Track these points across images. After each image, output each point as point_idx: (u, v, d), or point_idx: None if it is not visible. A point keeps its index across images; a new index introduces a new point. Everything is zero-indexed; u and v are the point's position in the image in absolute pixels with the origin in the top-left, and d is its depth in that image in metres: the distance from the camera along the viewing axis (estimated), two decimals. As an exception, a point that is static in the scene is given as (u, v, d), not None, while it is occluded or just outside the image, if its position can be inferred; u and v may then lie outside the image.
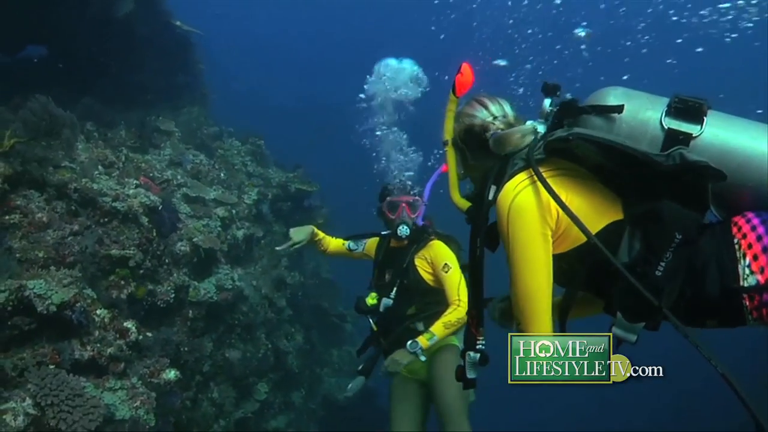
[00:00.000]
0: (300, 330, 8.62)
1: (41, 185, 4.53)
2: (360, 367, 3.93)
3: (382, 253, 3.98)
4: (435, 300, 3.77)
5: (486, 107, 1.92)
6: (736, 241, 1.53)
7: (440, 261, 3.73)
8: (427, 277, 3.80)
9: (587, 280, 1.71)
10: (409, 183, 3.94)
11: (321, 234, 4.08)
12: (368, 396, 9.06)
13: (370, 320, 3.90)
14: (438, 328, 3.53)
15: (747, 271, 1.49)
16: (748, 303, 1.49)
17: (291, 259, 8.49)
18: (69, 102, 5.90)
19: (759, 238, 1.49)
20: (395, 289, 3.79)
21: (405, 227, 3.74)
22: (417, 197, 3.82)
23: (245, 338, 6.91)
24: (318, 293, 9.91)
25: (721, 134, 1.57)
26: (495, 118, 1.90)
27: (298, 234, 3.96)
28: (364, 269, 4.17)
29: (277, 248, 4.09)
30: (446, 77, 2.00)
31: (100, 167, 5.47)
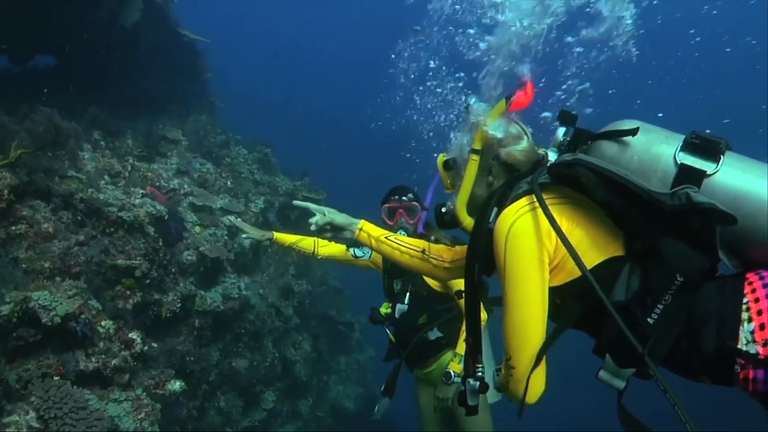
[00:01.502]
0: (307, 338, 8.59)
1: (47, 195, 4.54)
2: (382, 388, 3.86)
3: (389, 262, 3.89)
4: (445, 306, 3.71)
5: (524, 129, 1.88)
6: (745, 301, 1.40)
7: None
8: (433, 283, 3.71)
9: (581, 318, 1.61)
10: (411, 186, 3.83)
11: (292, 239, 3.85)
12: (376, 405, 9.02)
13: (387, 331, 3.84)
14: (463, 347, 3.46)
15: (749, 336, 1.36)
16: (739, 369, 1.38)
17: (298, 268, 8.47)
18: (76, 111, 5.93)
19: None
20: (408, 294, 3.73)
21: (402, 232, 3.60)
22: (414, 202, 3.69)
23: (252, 347, 6.89)
24: (325, 301, 9.88)
25: (737, 176, 1.45)
26: (530, 143, 1.87)
27: (253, 230, 3.85)
28: (372, 277, 4.09)
29: (231, 218, 3.99)
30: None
31: (106, 177, 5.48)
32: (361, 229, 2.34)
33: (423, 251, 2.28)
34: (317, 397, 8.91)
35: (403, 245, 2.29)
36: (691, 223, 1.42)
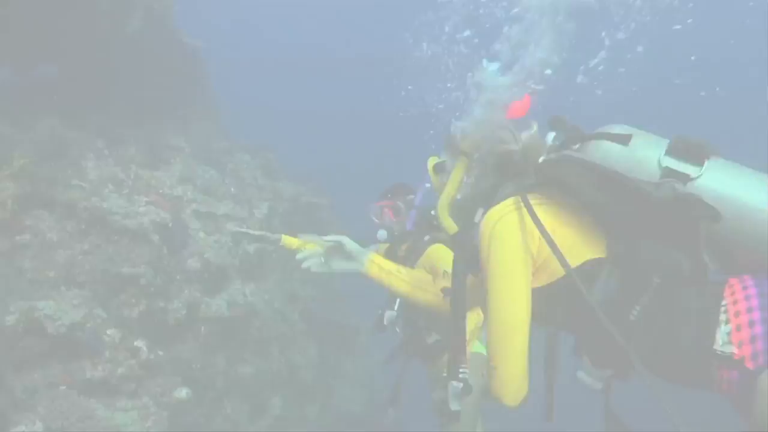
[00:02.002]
0: (313, 343, 8.57)
1: (51, 205, 4.55)
2: (388, 399, 3.85)
3: None
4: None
5: (515, 134, 1.84)
6: (724, 303, 1.41)
7: (439, 268, 3.54)
8: None
9: (564, 319, 1.61)
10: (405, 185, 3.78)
11: (298, 242, 3.90)
12: (384, 408, 9.00)
13: (398, 330, 3.82)
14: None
15: (725, 338, 1.37)
16: (715, 370, 1.38)
17: (303, 272, 8.42)
18: (79, 120, 5.93)
19: (749, 310, 1.36)
20: (398, 300, 3.68)
21: (383, 231, 3.54)
22: (398, 202, 3.57)
23: (258, 353, 6.87)
24: (331, 305, 9.86)
25: (721, 179, 1.45)
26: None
27: (260, 232, 3.98)
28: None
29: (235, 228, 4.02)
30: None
31: (110, 185, 5.48)
32: (372, 261, 2.24)
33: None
34: (324, 402, 8.89)
35: (414, 280, 2.21)
36: (675, 217, 1.43)
